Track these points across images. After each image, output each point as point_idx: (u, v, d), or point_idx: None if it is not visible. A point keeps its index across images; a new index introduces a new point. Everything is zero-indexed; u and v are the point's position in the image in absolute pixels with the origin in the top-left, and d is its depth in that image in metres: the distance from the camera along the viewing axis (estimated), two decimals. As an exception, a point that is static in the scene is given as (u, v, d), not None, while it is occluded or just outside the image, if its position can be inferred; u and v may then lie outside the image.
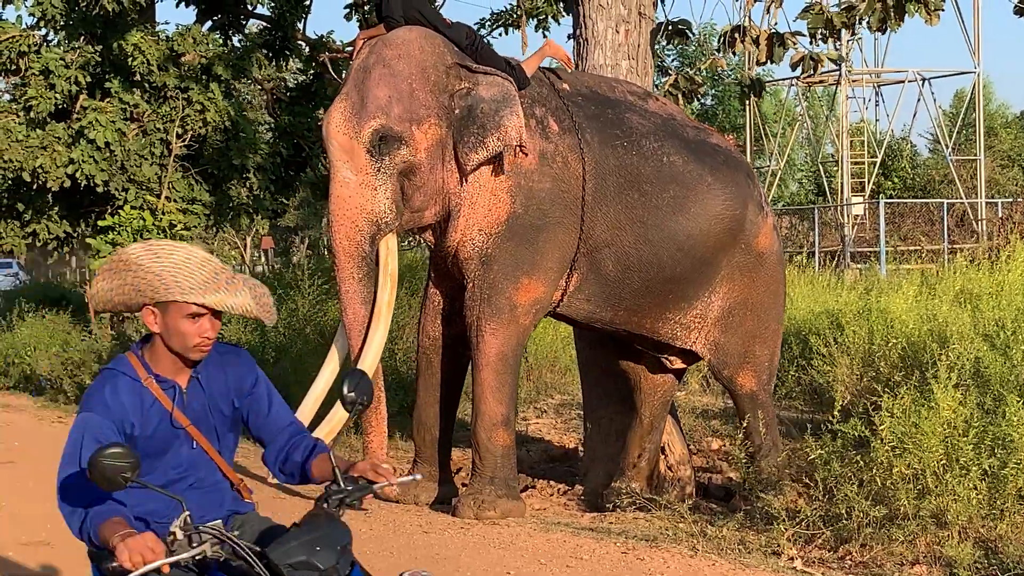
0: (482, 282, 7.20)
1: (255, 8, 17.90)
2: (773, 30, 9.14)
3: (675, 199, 7.42)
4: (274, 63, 18.00)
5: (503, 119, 7.02)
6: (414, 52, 7.11)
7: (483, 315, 7.18)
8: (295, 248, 47.96)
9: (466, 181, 7.15)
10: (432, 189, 7.14)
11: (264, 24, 18.03)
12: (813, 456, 6.60)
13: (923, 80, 31.24)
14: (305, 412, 7.18)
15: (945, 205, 27.10)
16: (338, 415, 7.01)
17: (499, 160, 7.12)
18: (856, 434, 6.50)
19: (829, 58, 9.89)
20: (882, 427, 6.37)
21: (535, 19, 17.23)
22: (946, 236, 25.80)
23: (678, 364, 7.99)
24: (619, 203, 7.33)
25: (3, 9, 16.23)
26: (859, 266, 23.11)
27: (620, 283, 7.42)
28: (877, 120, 35.39)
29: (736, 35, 9.12)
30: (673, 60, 36.59)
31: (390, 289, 7.17)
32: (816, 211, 28.94)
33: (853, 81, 31.28)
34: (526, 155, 7.16)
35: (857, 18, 8.77)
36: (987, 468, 6.21)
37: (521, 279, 7.19)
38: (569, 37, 8.93)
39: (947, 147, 31.05)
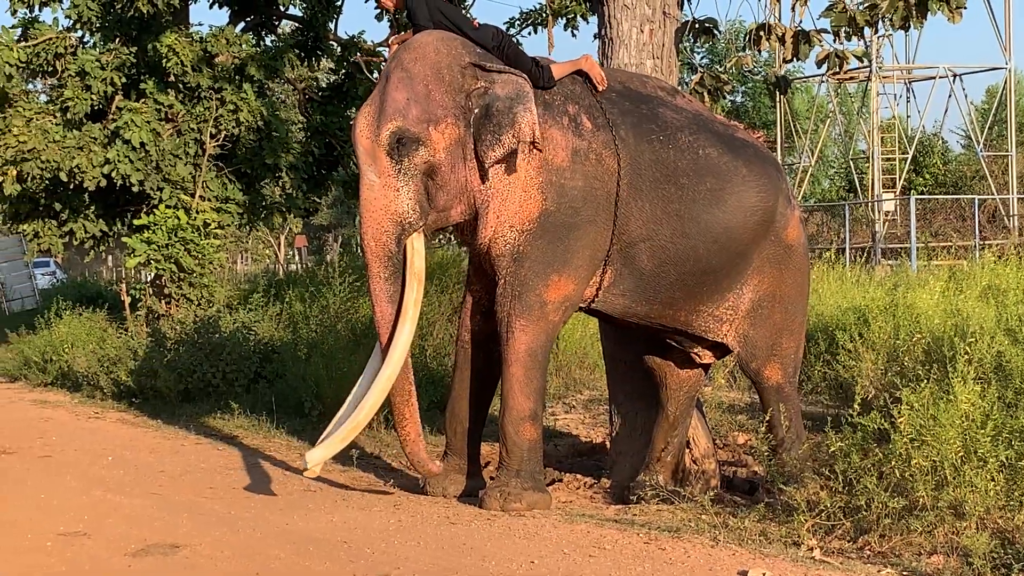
0: (513, 279, 7.30)
1: (287, 9, 18.07)
2: (799, 28, 9.22)
3: (712, 192, 7.49)
4: (306, 63, 18.16)
5: (517, 116, 7.11)
6: (429, 54, 7.24)
7: (513, 311, 7.28)
8: (328, 246, 48.22)
9: (489, 179, 7.25)
10: (455, 189, 7.27)
11: (296, 25, 18.21)
12: (833, 449, 6.69)
13: (954, 76, 31.14)
14: (343, 414, 7.32)
15: (976, 201, 27.03)
16: (361, 415, 7.14)
17: (528, 157, 7.21)
18: (876, 427, 6.59)
19: (855, 55, 9.95)
20: (901, 420, 6.46)
21: (564, 18, 17.29)
22: (977, 232, 25.75)
23: (707, 358, 8.03)
24: (656, 198, 7.41)
25: (40, 12, 16.46)
26: (890, 262, 23.09)
27: (656, 277, 7.49)
28: (908, 116, 35.19)
29: (762, 33, 9.20)
30: (703, 58, 36.57)
31: (416, 287, 7.28)
32: (847, 207, 28.93)
33: (884, 78, 31.21)
34: (540, 151, 7.24)
35: (880, 16, 8.83)
36: (1005, 460, 6.29)
37: (551, 276, 7.28)
38: (595, 37, 9.04)
39: (978, 143, 30.93)
